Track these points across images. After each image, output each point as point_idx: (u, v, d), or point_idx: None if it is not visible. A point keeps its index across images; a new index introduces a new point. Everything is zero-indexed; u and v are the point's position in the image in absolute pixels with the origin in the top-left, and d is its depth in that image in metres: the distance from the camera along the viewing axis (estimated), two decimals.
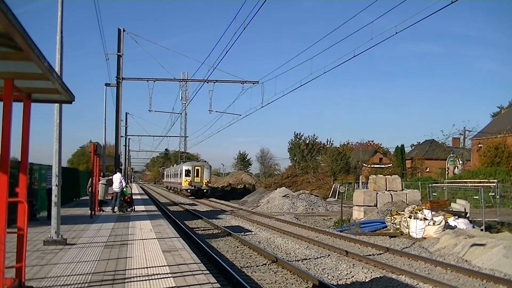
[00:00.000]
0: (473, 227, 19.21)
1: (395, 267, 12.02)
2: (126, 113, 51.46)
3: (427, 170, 64.60)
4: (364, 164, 62.50)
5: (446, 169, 53.00)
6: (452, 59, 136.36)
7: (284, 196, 37.79)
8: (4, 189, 4.73)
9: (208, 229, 20.78)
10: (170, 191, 67.07)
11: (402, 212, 20.55)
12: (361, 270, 11.48)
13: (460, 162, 53.57)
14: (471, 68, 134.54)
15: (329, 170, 61.12)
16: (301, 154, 71.59)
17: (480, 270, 12.27)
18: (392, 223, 20.54)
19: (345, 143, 76.68)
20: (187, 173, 49.22)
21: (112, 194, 21.13)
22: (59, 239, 10.82)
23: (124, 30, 26.62)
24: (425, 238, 17.76)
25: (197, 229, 20.79)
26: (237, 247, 15.46)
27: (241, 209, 34.22)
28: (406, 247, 16.15)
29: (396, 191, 25.64)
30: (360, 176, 49.79)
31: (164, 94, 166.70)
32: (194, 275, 7.80)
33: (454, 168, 52.60)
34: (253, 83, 27.98)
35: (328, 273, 11.51)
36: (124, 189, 20.92)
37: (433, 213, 19.04)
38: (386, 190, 25.71)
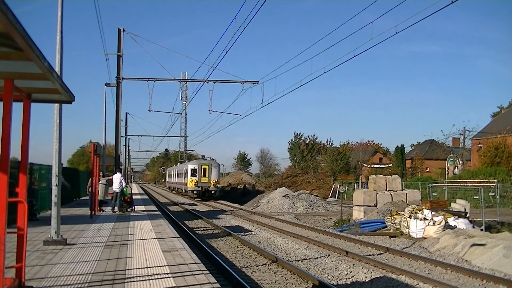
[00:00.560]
0: (473, 227, 19.21)
1: (395, 267, 12.01)
2: (126, 113, 51.50)
3: (427, 170, 64.62)
4: (364, 164, 62.52)
5: (446, 169, 53.01)
6: (452, 59, 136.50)
7: (284, 196, 37.79)
8: (4, 189, 4.73)
9: (208, 229, 20.78)
10: (173, 192, 63.63)
11: (402, 212, 20.55)
12: (361, 270, 11.47)
13: (460, 162, 53.57)
14: (471, 68, 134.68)
15: (329, 170, 61.16)
16: (301, 154, 71.64)
17: (480, 270, 12.27)
18: (392, 223, 20.54)
19: (345, 143, 76.73)
20: (193, 172, 45.20)
21: (112, 194, 21.13)
22: (59, 239, 10.82)
23: (124, 30, 26.62)
24: (425, 238, 17.76)
25: (197, 229, 20.79)
26: (237, 247, 15.46)
27: (241, 209, 34.19)
28: (406, 247, 16.15)
29: (396, 191, 25.63)
30: (360, 176, 49.75)
31: (164, 94, 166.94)
32: (194, 275, 7.80)
33: (454, 168, 52.61)
34: (253, 83, 27.98)
35: (328, 273, 11.51)
36: (124, 189, 20.92)
37: (433, 213, 19.04)
38: (386, 190, 25.71)
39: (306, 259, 13.38)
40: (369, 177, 30.06)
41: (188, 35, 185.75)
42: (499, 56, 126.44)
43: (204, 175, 45.03)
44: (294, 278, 10.79)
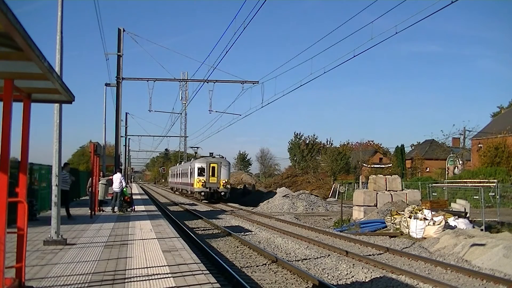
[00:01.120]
0: (473, 227, 19.21)
1: (395, 267, 12.02)
2: (126, 113, 51.53)
3: (427, 170, 64.63)
4: (364, 164, 62.52)
5: (446, 169, 53.01)
6: (452, 59, 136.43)
7: (284, 196, 37.78)
8: (4, 189, 4.73)
9: (208, 229, 20.78)
10: (176, 193, 59.49)
11: (402, 212, 20.55)
12: (361, 270, 11.47)
13: (460, 162, 53.58)
14: (471, 68, 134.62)
15: (329, 170, 61.18)
16: (301, 154, 71.67)
17: (480, 270, 12.27)
18: (392, 223, 20.54)
19: (345, 143, 76.75)
20: (200, 171, 40.55)
21: (112, 194, 21.13)
22: (59, 239, 10.81)
23: (124, 30, 26.64)
24: (425, 238, 17.76)
25: (197, 229, 20.79)
26: (237, 247, 15.46)
27: (241, 209, 34.19)
28: (406, 247, 16.15)
29: (396, 191, 25.64)
30: (360, 176, 49.77)
31: (164, 94, 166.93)
32: (194, 275, 7.80)
33: (454, 168, 52.60)
34: (253, 83, 28.00)
35: (328, 273, 11.51)
36: (124, 189, 20.92)
37: (433, 213, 19.04)
38: (386, 190, 25.71)
39: (306, 259, 13.38)
40: (369, 177, 30.07)
41: (188, 35, 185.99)
42: (499, 56, 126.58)
43: (213, 175, 40.35)
44: (294, 278, 10.79)
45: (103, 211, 20.94)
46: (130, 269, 8.14)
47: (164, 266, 8.50)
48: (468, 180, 35.80)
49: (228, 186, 41.39)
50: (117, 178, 20.93)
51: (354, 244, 16.82)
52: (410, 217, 18.98)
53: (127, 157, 61.42)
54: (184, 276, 7.69)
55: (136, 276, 7.54)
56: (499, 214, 23.75)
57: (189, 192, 45.77)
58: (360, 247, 16.23)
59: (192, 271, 8.07)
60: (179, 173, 55.52)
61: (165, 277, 7.51)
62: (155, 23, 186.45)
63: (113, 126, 27.15)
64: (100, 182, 20.87)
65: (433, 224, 18.17)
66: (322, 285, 9.70)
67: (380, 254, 14.75)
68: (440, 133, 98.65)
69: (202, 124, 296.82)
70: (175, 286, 6.94)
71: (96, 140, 25.06)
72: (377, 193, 25.33)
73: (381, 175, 30.38)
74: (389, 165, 60.86)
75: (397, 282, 10.52)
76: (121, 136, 39.32)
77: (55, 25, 11.25)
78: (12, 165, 5.29)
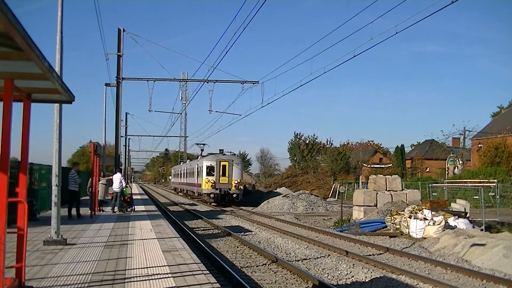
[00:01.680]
0: (473, 227, 19.20)
1: (395, 267, 12.01)
2: (126, 113, 51.61)
3: (427, 170, 64.61)
4: (364, 164, 62.50)
5: (446, 169, 53.00)
6: (452, 59, 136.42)
7: (284, 196, 37.74)
8: (4, 189, 4.73)
9: (208, 229, 20.78)
10: (180, 194, 55.57)
11: (402, 212, 20.55)
12: (361, 270, 11.47)
13: (460, 162, 53.57)
14: (471, 68, 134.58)
15: (329, 170, 61.15)
16: (301, 154, 71.64)
17: (480, 270, 12.27)
18: (392, 223, 20.54)
19: (345, 143, 76.73)
20: (210, 170, 36.46)
21: (112, 194, 21.14)
22: (59, 239, 10.82)
23: (124, 30, 26.66)
24: (425, 238, 17.76)
25: (197, 229, 20.79)
26: (237, 247, 15.46)
27: (241, 209, 34.18)
28: (406, 247, 16.15)
29: (396, 191, 25.63)
30: (360, 176, 49.76)
31: (164, 94, 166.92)
32: (194, 275, 7.80)
33: (454, 168, 52.60)
34: (253, 83, 28.01)
35: (328, 273, 11.51)
36: (124, 189, 20.93)
37: (433, 213, 19.03)
38: (386, 190, 25.71)
39: (306, 259, 13.38)
40: (369, 177, 30.06)
41: (188, 35, 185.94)
42: (499, 56, 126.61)
43: (224, 174, 36.22)
44: (294, 278, 10.79)
45: (103, 211, 20.95)
46: (130, 269, 8.14)
47: (164, 266, 8.50)
48: (468, 180, 35.80)
49: (241, 187, 37.29)
50: (117, 178, 20.95)
51: (354, 244, 16.82)
52: (410, 217, 18.97)
53: (127, 157, 61.44)
54: (184, 276, 7.69)
55: (136, 276, 7.54)
56: (499, 214, 23.75)
57: (196, 194, 41.68)
58: (360, 247, 16.23)
59: (192, 271, 8.07)
60: (184, 173, 50.66)
61: (165, 277, 7.52)
62: (155, 23, 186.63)
63: (113, 126, 27.19)
64: (100, 182, 20.88)
65: (433, 224, 18.16)
66: (322, 285, 9.69)
67: (380, 254, 14.75)
68: (440, 133, 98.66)
69: (202, 124, 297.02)
70: (175, 286, 6.94)
71: (96, 140, 25.09)
72: (377, 193, 25.33)
73: (381, 175, 30.38)
74: (389, 165, 60.84)
75: (397, 282, 10.52)
76: (121, 136, 39.37)
77: (55, 25, 11.27)
78: (12, 165, 5.29)
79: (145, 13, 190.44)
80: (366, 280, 10.68)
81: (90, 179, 20.21)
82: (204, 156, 40.81)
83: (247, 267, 12.05)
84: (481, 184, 29.50)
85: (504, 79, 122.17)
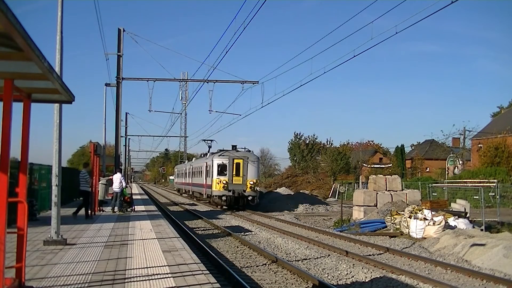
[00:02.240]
0: (473, 227, 19.21)
1: (395, 267, 12.02)
2: (126, 113, 51.54)
3: (427, 170, 64.61)
4: (364, 164, 62.49)
5: (446, 169, 52.99)
6: (452, 59, 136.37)
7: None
8: (4, 189, 4.73)
9: (208, 229, 20.78)
10: (184, 195, 50.84)
11: (402, 212, 20.55)
12: (361, 270, 11.48)
13: (460, 162, 53.57)
14: (471, 68, 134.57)
15: (329, 170, 61.10)
16: (301, 154, 71.53)
17: (480, 270, 12.28)
18: (392, 223, 20.54)
19: (345, 143, 76.69)
20: (221, 170, 31.88)
21: (112, 194, 21.13)
22: (59, 239, 10.82)
23: (124, 30, 26.64)
24: (425, 238, 17.76)
25: (197, 229, 20.79)
26: (237, 247, 15.46)
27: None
28: (406, 247, 16.15)
29: (396, 191, 25.63)
30: (360, 176, 49.77)
31: (164, 94, 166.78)
32: (194, 275, 7.80)
33: (454, 168, 52.59)
34: (253, 83, 27.97)
35: (328, 273, 11.51)
36: (124, 189, 20.92)
37: (433, 213, 19.04)
38: (386, 190, 25.71)
39: (306, 259, 13.38)
40: (369, 177, 30.06)
41: (188, 35, 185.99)
42: (499, 56, 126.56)
43: (238, 174, 31.64)
44: (294, 278, 10.79)
45: (103, 211, 20.95)
46: (130, 269, 8.14)
47: (164, 266, 8.50)
48: (468, 180, 35.81)
49: (257, 188, 32.74)
50: (117, 178, 20.94)
51: (354, 244, 16.82)
52: (410, 217, 18.97)
53: (127, 157, 61.41)
54: (184, 276, 7.69)
55: (136, 276, 7.54)
56: (499, 214, 23.74)
57: (205, 196, 36.71)
58: (360, 247, 16.23)
59: (192, 271, 8.07)
60: (190, 172, 45.01)
61: (165, 277, 7.51)
62: (155, 23, 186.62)
63: (113, 126, 27.17)
64: (100, 182, 20.87)
65: (433, 224, 18.16)
66: (322, 285, 9.70)
67: (380, 254, 14.75)
68: (440, 133, 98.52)
69: (202, 124, 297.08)
70: (175, 286, 6.94)
71: (96, 140, 25.09)
72: (377, 193, 25.32)
73: (381, 175, 30.39)
74: (389, 165, 60.83)
75: (397, 282, 10.53)
76: (121, 136, 39.31)
77: (55, 25, 11.26)
78: (12, 165, 5.29)
79: (145, 13, 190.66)
80: (366, 280, 10.68)
81: (90, 179, 20.19)
82: (214, 153, 35.45)
83: (247, 267, 12.05)
84: (481, 184, 29.52)
85: (504, 79, 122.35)
